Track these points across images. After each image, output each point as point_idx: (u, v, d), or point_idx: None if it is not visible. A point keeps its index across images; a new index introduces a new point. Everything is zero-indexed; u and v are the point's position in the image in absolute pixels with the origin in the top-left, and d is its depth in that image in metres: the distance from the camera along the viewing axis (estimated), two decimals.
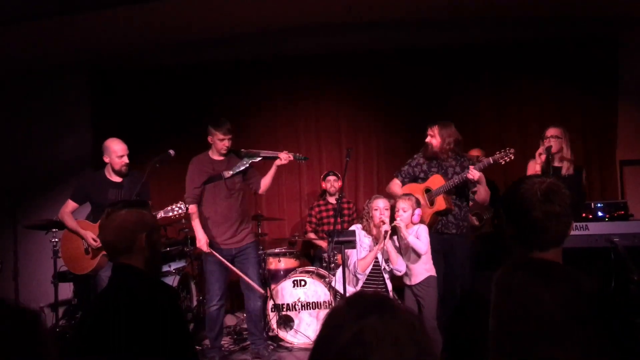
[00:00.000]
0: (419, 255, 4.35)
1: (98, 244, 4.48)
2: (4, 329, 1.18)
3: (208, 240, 4.69)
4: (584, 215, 4.57)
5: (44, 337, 1.27)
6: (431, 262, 4.43)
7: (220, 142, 4.66)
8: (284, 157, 4.70)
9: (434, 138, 4.68)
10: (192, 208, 4.74)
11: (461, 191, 4.69)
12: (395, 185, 4.89)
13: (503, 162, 4.47)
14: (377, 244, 4.46)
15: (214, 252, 4.67)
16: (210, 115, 6.79)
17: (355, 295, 1.14)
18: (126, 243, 2.15)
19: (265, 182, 4.83)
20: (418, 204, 4.46)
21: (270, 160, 4.97)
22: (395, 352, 1.00)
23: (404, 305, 1.12)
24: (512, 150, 4.44)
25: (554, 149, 4.68)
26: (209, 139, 4.71)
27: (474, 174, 4.40)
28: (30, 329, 1.23)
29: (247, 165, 4.73)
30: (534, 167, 4.75)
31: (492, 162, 4.48)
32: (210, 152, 4.79)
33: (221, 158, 4.74)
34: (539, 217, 1.75)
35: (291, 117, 7.07)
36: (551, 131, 4.73)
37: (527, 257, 1.76)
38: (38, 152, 7.12)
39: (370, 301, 1.09)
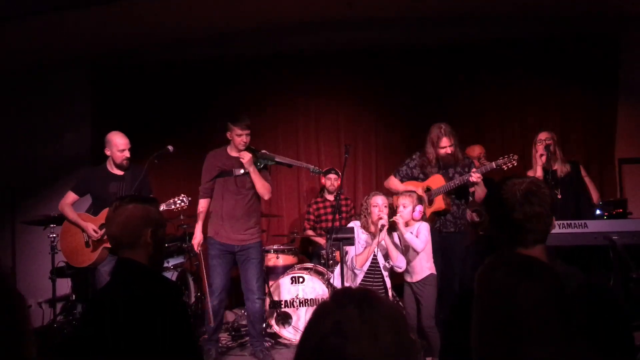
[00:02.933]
0: (419, 253, 4.35)
1: (99, 235, 4.49)
2: None
3: (201, 241, 4.78)
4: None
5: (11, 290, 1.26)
6: (432, 260, 4.43)
7: (238, 138, 4.64)
8: (242, 155, 4.61)
9: (452, 147, 4.66)
10: (202, 203, 4.79)
11: (460, 190, 4.70)
12: (394, 182, 4.89)
13: (506, 168, 4.49)
14: (374, 239, 4.46)
15: (200, 255, 4.79)
16: (210, 111, 6.83)
17: (341, 289, 1.17)
18: (131, 237, 2.16)
19: (256, 185, 4.71)
20: (420, 201, 4.46)
21: (283, 166, 4.98)
22: (371, 344, 1.03)
23: (387, 300, 1.15)
24: (515, 157, 4.46)
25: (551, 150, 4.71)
26: (228, 134, 4.70)
27: (476, 177, 4.42)
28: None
29: (260, 166, 4.71)
30: (534, 175, 4.77)
31: (495, 167, 4.51)
32: (228, 148, 4.78)
33: (237, 154, 4.73)
34: (520, 218, 1.80)
35: (290, 114, 7.07)
36: (545, 134, 4.80)
37: (510, 253, 1.78)
38: (37, 148, 7.11)
39: (352, 294, 1.13)
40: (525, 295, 1.37)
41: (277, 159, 4.83)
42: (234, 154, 4.74)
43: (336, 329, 1.04)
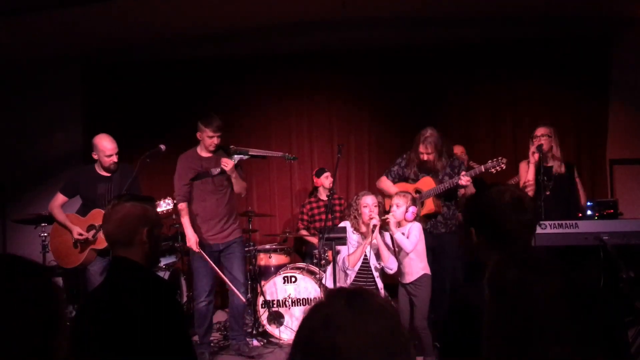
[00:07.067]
0: (408, 253, 4.35)
1: (83, 237, 4.47)
2: (22, 284, 1.18)
3: (198, 240, 4.65)
4: (580, 215, 4.60)
5: (58, 293, 1.28)
6: (426, 260, 4.43)
7: (209, 139, 4.60)
8: (225, 163, 4.55)
9: (430, 155, 4.67)
10: (182, 206, 4.72)
11: (450, 192, 4.72)
12: (386, 182, 4.90)
13: (494, 172, 4.52)
14: (366, 239, 4.46)
15: (202, 253, 4.64)
16: (203, 111, 6.78)
17: (334, 288, 1.19)
18: (127, 236, 2.15)
19: (235, 187, 4.72)
20: (414, 202, 4.47)
21: (259, 159, 4.93)
22: (361, 333, 1.04)
23: (379, 296, 1.16)
24: (504, 160, 4.48)
25: (544, 148, 4.71)
26: (198, 135, 4.66)
27: (465, 180, 4.43)
28: (47, 284, 1.24)
29: (235, 162, 4.67)
30: (526, 167, 4.79)
31: (483, 170, 4.54)
32: (198, 149, 4.74)
33: (209, 155, 4.69)
34: (512, 228, 1.78)
35: (283, 113, 7.07)
36: (541, 130, 4.77)
37: (522, 251, 1.77)
38: (28, 146, 7.07)
39: (343, 291, 1.14)
40: (541, 293, 1.37)
41: (250, 153, 4.78)
42: (205, 154, 4.70)
43: (326, 321, 1.06)
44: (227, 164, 4.54)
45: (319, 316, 1.08)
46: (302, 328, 1.10)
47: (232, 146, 4.80)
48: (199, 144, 4.73)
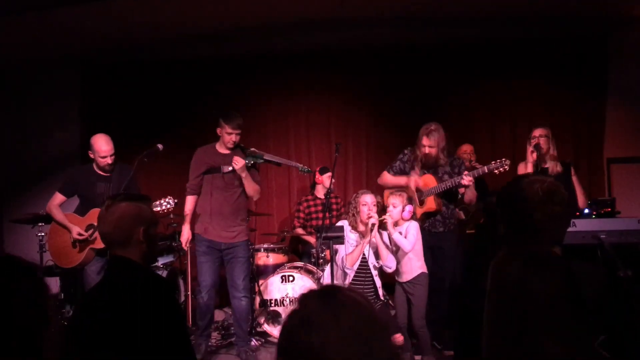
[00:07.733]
0: (407, 253, 4.35)
1: (83, 237, 4.47)
2: (12, 282, 1.21)
3: (189, 238, 4.74)
4: (577, 214, 4.60)
5: (45, 291, 1.29)
6: (423, 259, 4.43)
7: (227, 136, 4.62)
8: (235, 161, 4.55)
9: (433, 149, 4.66)
10: (189, 200, 4.75)
11: (450, 192, 4.71)
12: (387, 177, 4.90)
13: (497, 172, 4.50)
14: (365, 238, 4.45)
15: (188, 253, 4.78)
16: (203, 111, 6.82)
17: (305, 291, 1.21)
18: (123, 236, 2.16)
19: (246, 188, 4.71)
20: (410, 200, 4.46)
21: (273, 164, 4.95)
22: (334, 328, 1.07)
23: (351, 289, 1.19)
24: (507, 162, 4.47)
25: (542, 148, 4.71)
26: (218, 130, 4.68)
27: (467, 180, 4.42)
28: (35, 282, 1.25)
29: (249, 164, 4.67)
30: (524, 168, 4.80)
31: (487, 171, 4.52)
32: (217, 144, 4.76)
33: (226, 152, 4.70)
34: (541, 219, 1.74)
35: (281, 112, 7.08)
36: (539, 131, 4.78)
37: (523, 247, 1.74)
38: (28, 146, 7.09)
39: (315, 292, 1.19)
40: (540, 289, 1.37)
41: (265, 157, 4.79)
42: (222, 150, 4.71)
43: (302, 323, 1.10)
44: (237, 162, 4.55)
45: (296, 319, 1.12)
46: (283, 333, 1.14)
47: (252, 148, 4.81)
48: (219, 140, 4.74)
